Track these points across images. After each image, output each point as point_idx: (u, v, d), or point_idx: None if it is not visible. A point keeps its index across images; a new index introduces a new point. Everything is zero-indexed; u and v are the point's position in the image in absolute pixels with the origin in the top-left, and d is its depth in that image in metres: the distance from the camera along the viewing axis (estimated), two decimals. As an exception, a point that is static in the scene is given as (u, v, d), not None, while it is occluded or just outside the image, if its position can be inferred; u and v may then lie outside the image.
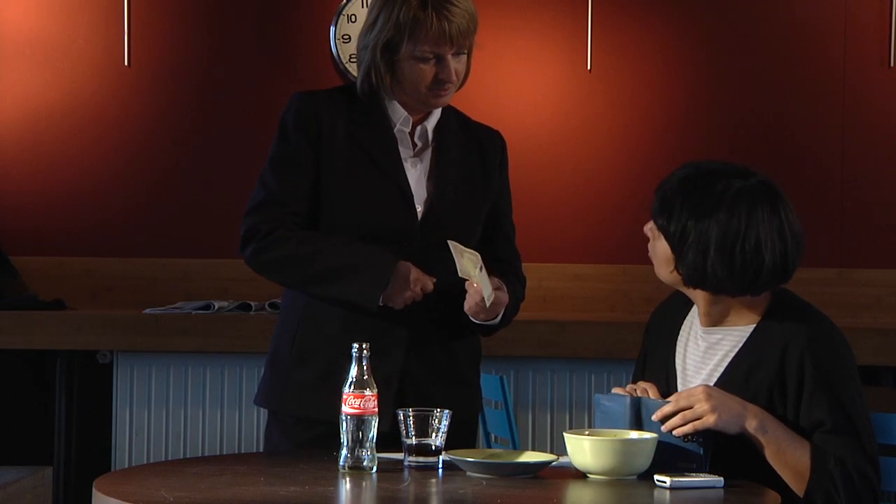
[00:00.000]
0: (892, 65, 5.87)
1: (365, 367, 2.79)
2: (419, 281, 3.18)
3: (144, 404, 5.13)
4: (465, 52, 3.24)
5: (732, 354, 2.92)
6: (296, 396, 3.26)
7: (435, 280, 3.21)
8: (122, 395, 5.13)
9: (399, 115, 3.28)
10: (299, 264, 3.20)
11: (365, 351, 2.80)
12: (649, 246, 2.98)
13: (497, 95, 5.85)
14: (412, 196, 3.24)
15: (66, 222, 5.85)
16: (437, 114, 3.32)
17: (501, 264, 3.36)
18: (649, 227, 2.96)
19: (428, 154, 3.30)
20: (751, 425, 2.79)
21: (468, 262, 3.12)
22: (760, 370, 2.87)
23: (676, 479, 2.67)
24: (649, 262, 3.00)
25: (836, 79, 5.90)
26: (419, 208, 3.25)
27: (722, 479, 2.70)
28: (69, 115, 5.86)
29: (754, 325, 2.92)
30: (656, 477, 2.70)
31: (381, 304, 3.19)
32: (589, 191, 5.88)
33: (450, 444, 2.86)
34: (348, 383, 2.79)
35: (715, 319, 2.96)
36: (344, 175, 3.24)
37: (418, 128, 3.30)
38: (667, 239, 2.91)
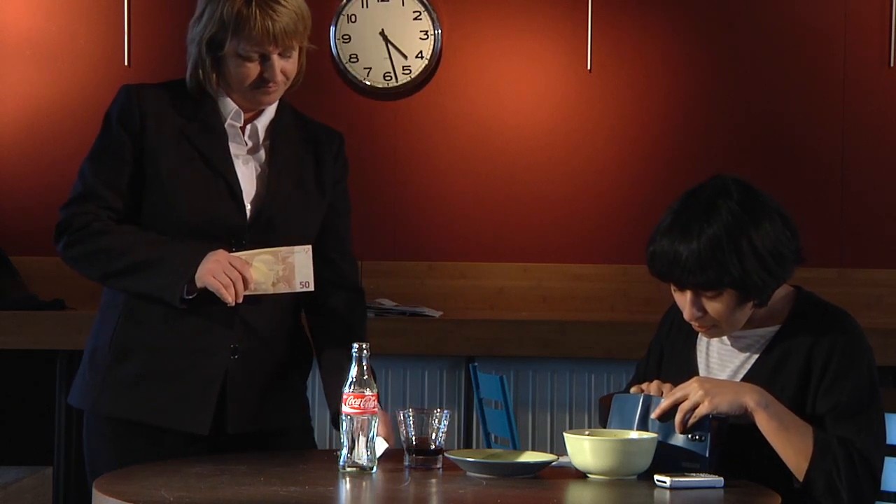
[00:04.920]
0: (892, 65, 5.88)
1: (365, 367, 2.78)
2: (236, 262, 3.05)
3: (144, 404, 5.12)
4: (293, 52, 3.13)
5: (760, 352, 2.92)
6: (112, 396, 3.13)
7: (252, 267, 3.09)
8: (122, 395, 5.12)
9: (229, 110, 3.18)
10: (109, 258, 3.09)
11: (365, 351, 2.79)
12: (701, 324, 2.88)
13: (497, 95, 5.85)
14: (241, 193, 3.15)
15: (66, 222, 5.85)
16: (270, 112, 3.22)
17: (327, 263, 3.25)
18: (693, 307, 2.85)
19: (261, 152, 3.20)
20: (752, 399, 2.77)
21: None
22: (787, 365, 2.87)
23: (676, 479, 2.67)
24: (649, 262, 2.97)
25: (836, 79, 5.90)
26: (249, 206, 3.16)
27: (722, 479, 2.70)
28: (69, 115, 5.86)
29: (779, 326, 2.92)
30: (656, 477, 2.69)
31: (189, 297, 3.06)
32: (589, 191, 5.88)
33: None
34: (348, 383, 2.78)
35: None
36: (171, 170, 3.13)
37: (249, 126, 3.20)
38: (718, 283, 2.81)
